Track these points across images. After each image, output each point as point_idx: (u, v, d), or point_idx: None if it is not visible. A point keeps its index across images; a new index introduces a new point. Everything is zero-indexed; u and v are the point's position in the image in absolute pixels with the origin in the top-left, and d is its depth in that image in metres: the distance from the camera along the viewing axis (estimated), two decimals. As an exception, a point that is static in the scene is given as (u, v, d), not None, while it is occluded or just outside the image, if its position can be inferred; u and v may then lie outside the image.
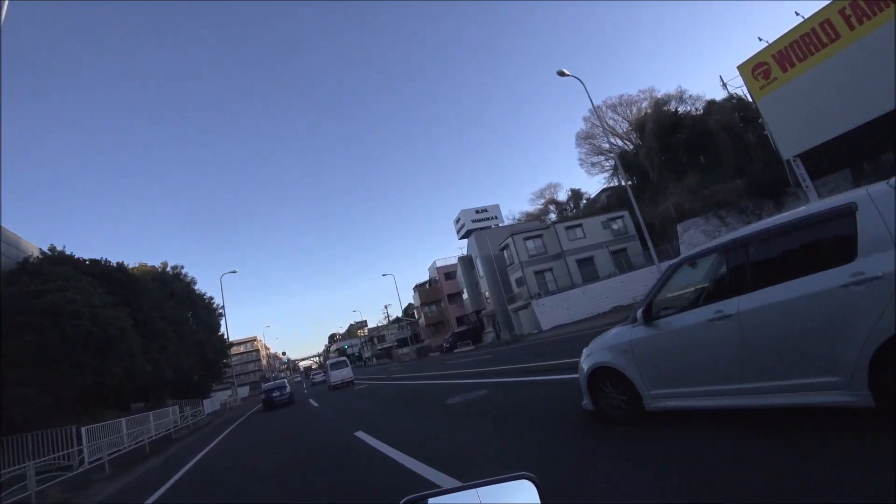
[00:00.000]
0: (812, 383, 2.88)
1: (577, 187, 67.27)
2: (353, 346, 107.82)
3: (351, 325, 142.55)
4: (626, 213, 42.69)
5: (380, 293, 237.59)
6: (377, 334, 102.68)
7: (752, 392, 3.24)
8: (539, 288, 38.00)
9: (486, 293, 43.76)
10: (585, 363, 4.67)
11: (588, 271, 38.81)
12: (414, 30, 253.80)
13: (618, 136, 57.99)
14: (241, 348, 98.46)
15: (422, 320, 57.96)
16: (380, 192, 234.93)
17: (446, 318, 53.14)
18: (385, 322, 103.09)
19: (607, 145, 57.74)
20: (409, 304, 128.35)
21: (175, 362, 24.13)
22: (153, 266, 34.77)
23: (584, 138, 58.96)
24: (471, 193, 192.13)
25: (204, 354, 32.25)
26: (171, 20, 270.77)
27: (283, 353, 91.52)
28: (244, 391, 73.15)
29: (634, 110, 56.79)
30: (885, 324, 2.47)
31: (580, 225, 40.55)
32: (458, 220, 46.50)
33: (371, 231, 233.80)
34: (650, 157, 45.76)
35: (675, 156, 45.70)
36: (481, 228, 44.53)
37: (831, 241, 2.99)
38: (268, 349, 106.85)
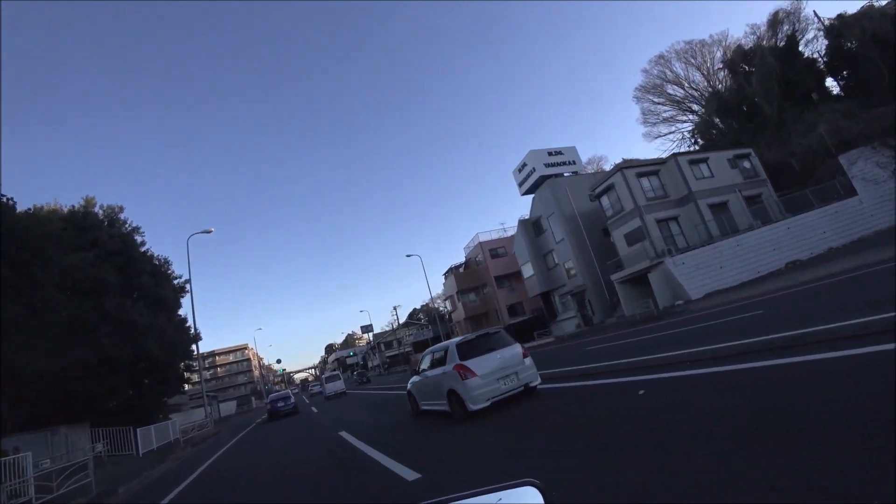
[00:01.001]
0: (440, 402, 7.86)
1: (626, 157, 54.28)
2: (356, 355, 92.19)
3: (348, 335, 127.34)
4: (751, 151, 29.75)
5: (387, 294, 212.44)
6: (384, 340, 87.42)
7: (434, 404, 8.31)
8: (665, 242, 24.44)
9: (569, 264, 29.87)
10: (408, 388, 9.95)
11: (724, 220, 25.47)
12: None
13: (684, 86, 45.67)
14: (231, 357, 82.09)
15: (457, 312, 43.44)
16: (384, 175, 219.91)
17: (494, 307, 38.80)
18: (392, 326, 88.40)
19: (683, 92, 45.35)
20: (414, 309, 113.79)
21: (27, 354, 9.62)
22: (72, 206, 20.25)
23: (649, 90, 46.52)
24: (499, 172, 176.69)
25: (144, 349, 17.56)
26: None
27: (279, 361, 75.69)
28: (230, 406, 57.19)
29: (709, 58, 44.72)
30: (447, 385, 7.43)
31: (706, 159, 27.32)
32: (521, 168, 32.58)
33: (376, 223, 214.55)
34: (767, 86, 33.27)
35: (801, 82, 33.44)
36: (555, 175, 30.91)
37: (446, 357, 7.70)
38: (261, 359, 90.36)
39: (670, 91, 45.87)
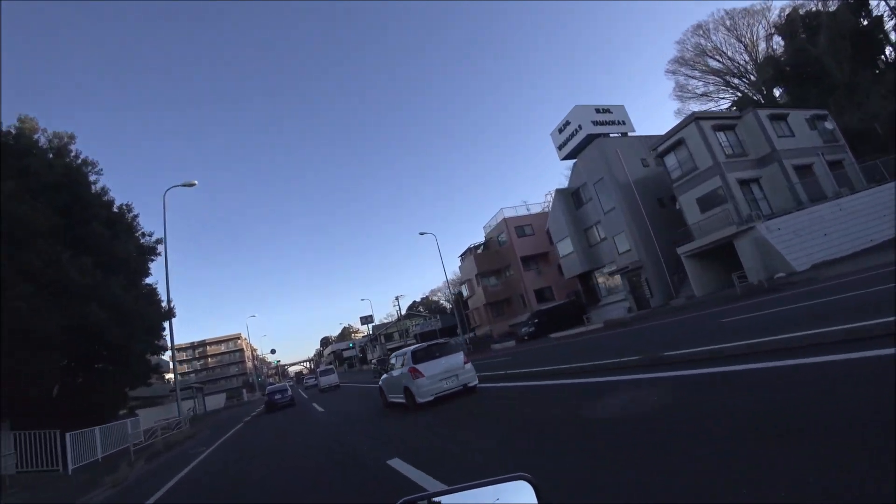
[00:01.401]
0: (400, 395, 9.60)
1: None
2: (355, 347, 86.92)
3: (344, 327, 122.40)
4: (828, 113, 25.19)
5: (387, 289, 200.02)
6: (384, 331, 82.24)
7: (396, 397, 9.91)
8: (749, 207, 19.78)
9: (620, 238, 25.08)
10: (379, 384, 11.75)
11: (810, 185, 20.89)
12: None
13: (723, 58, 41.04)
14: (222, 347, 76.43)
15: (476, 297, 38.50)
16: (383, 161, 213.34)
17: (519, 291, 33.90)
18: (395, 318, 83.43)
19: (720, 65, 40.71)
20: (414, 302, 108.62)
21: None
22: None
23: (685, 62, 41.87)
24: (499, 170, 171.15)
25: (84, 318, 12.44)
26: None
27: (273, 352, 70.28)
28: (219, 400, 51.84)
29: (754, 29, 40.10)
30: (404, 383, 9.28)
31: (786, 116, 22.68)
32: (563, 128, 27.54)
33: (377, 213, 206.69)
34: (839, 46, 28.81)
35: (875, 42, 29.14)
36: (603, 135, 26.05)
37: (404, 361, 9.52)
38: (254, 350, 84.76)
39: (710, 62, 41.31)
